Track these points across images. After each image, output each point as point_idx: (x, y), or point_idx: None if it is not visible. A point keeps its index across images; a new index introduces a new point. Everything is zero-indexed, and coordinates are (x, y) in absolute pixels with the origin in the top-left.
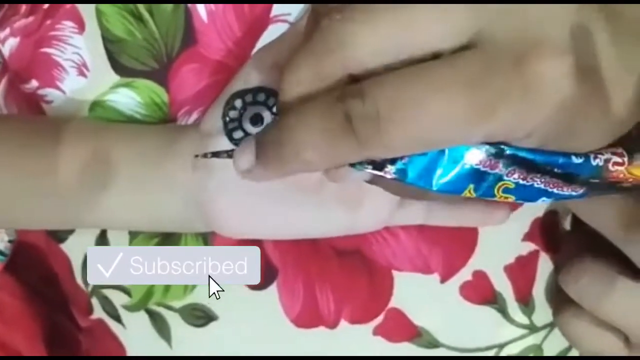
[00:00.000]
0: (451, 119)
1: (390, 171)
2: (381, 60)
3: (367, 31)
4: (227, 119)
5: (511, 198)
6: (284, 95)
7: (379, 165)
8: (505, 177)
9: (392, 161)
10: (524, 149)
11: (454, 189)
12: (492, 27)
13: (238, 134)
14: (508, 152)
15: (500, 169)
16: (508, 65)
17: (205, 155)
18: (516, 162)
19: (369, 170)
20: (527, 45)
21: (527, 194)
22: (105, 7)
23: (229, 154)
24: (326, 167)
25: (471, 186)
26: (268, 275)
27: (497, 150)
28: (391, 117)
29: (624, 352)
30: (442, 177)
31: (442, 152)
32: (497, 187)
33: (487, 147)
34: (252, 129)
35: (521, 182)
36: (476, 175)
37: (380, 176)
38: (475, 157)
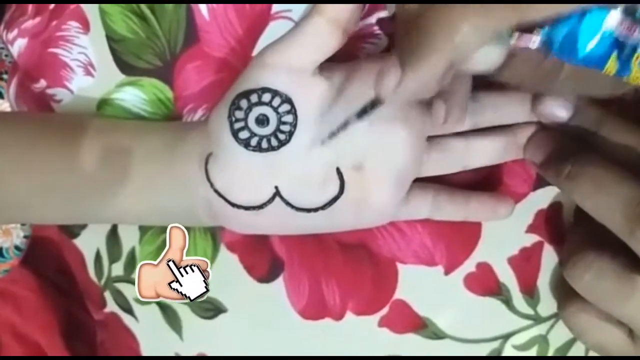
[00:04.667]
0: None
1: (536, 41)
2: None
3: None
4: (233, 119)
5: None
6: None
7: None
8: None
9: (537, 31)
10: None
11: (598, 58)
12: None
13: (244, 134)
14: None
15: (637, 35)
16: None
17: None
18: None
19: (517, 36)
20: None
21: None
22: (108, 7)
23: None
24: (480, 41)
25: (614, 54)
26: (274, 268)
27: (631, 11)
28: None
29: (628, 346)
30: (585, 44)
31: (582, 18)
32: (634, 58)
33: (624, 8)
34: (258, 130)
35: None
36: (617, 44)
37: (526, 47)
38: (613, 19)
